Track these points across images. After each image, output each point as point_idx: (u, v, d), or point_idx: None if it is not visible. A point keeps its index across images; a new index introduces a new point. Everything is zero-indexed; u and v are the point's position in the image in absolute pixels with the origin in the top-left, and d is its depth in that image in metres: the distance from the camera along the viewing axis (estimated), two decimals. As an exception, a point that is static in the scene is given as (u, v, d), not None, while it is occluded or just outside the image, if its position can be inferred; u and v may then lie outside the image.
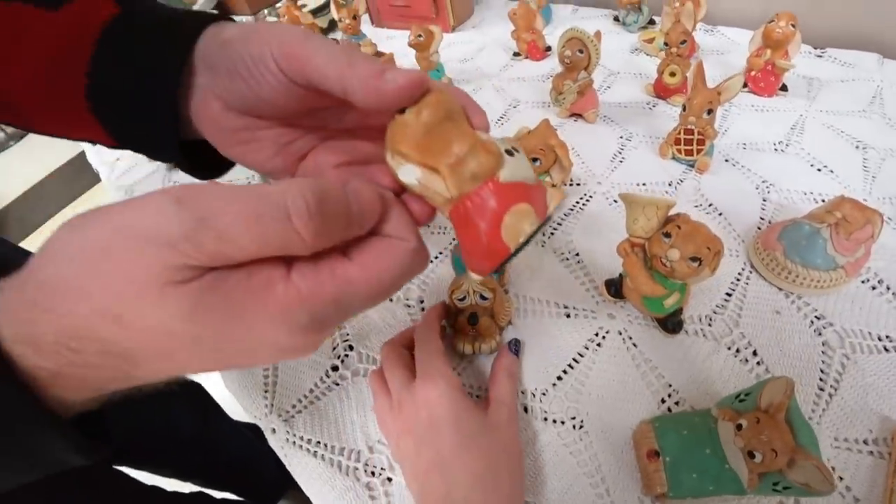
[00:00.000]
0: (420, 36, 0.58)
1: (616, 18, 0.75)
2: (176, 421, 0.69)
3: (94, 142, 0.27)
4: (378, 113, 0.19)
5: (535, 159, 0.38)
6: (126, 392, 0.18)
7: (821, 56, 0.66)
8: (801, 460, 0.24)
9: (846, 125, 0.54)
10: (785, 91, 0.59)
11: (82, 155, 1.01)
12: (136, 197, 0.15)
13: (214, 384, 0.76)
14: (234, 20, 0.24)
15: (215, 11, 1.33)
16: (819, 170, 0.49)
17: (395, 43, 0.78)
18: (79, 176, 2.43)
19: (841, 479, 0.30)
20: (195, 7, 1.36)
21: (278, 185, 0.15)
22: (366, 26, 0.88)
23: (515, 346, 0.34)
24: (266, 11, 1.26)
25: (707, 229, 0.30)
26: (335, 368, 0.37)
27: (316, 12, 0.98)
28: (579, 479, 0.30)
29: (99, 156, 0.90)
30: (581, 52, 0.48)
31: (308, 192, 0.15)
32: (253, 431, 0.86)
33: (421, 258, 0.19)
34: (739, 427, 0.26)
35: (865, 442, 0.31)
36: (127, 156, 0.83)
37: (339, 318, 0.18)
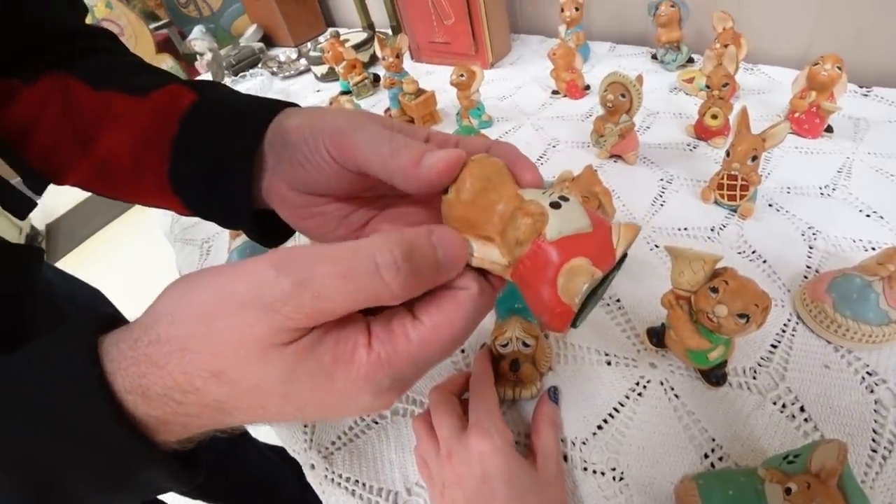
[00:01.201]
0: (462, 76, 0.60)
1: (654, 57, 0.76)
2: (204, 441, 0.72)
3: (174, 211, 0.31)
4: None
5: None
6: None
7: (867, 95, 0.65)
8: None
9: (893, 167, 0.53)
10: (830, 132, 0.58)
11: None
12: (235, 263, 0.17)
13: None
14: (298, 106, 0.27)
15: (259, 45, 1.41)
16: (868, 216, 0.47)
17: (435, 79, 0.81)
18: None
19: None
20: (242, 39, 1.44)
21: (369, 240, 0.17)
22: (405, 61, 0.91)
23: (555, 394, 0.35)
24: (310, 45, 1.33)
25: (755, 285, 0.30)
26: (377, 406, 0.38)
27: (358, 47, 1.02)
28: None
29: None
30: (623, 96, 0.49)
31: (395, 245, 0.17)
32: (278, 454, 0.88)
33: (486, 301, 0.20)
34: (788, 491, 0.25)
35: None
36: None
37: (417, 375, 0.19)
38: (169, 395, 0.16)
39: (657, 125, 0.62)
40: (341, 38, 1.04)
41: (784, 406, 0.34)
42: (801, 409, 0.34)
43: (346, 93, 0.88)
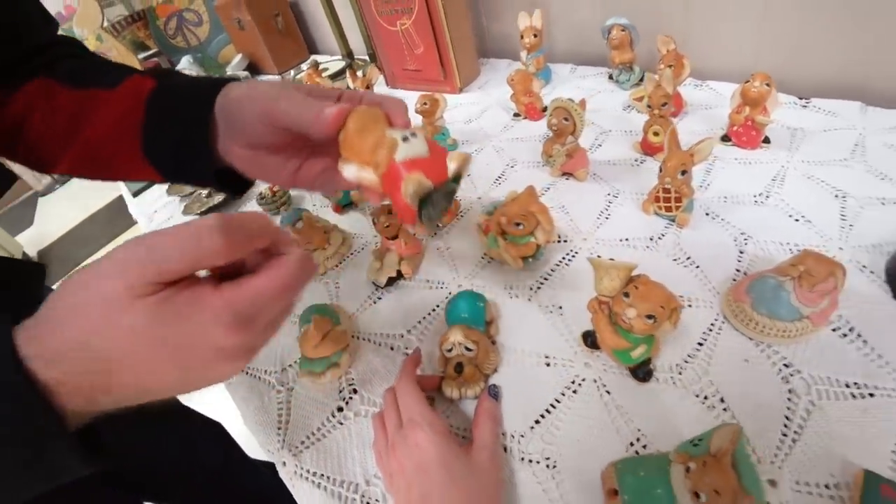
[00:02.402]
0: (426, 104, 0.65)
1: (610, 77, 0.81)
2: (200, 456, 0.74)
3: (151, 181, 0.42)
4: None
5: (518, 224, 0.43)
6: (114, 412, 0.24)
7: (805, 106, 0.69)
8: (742, 501, 0.27)
9: (827, 174, 0.56)
10: (768, 143, 0.62)
11: (120, 199, 1.11)
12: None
13: (234, 421, 0.81)
14: (238, 81, 0.34)
15: (245, 73, 1.46)
16: (797, 220, 0.51)
17: (409, 103, 0.86)
18: (116, 219, 2.62)
19: None
20: (229, 68, 1.51)
21: (202, 218, 0.23)
22: (381, 87, 0.96)
23: (495, 391, 0.38)
24: (292, 72, 1.38)
25: (663, 289, 0.34)
26: (340, 409, 0.42)
27: (335, 76, 1.08)
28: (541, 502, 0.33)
29: (139, 207, 1.00)
30: (566, 119, 0.53)
31: (213, 219, 0.23)
32: (270, 469, 0.91)
33: (306, 264, 0.26)
34: (688, 469, 0.29)
35: (827, 486, 0.33)
36: (162, 208, 0.93)
37: (258, 315, 0.24)
38: (62, 351, 0.21)
39: (609, 142, 0.66)
40: (320, 66, 1.09)
41: (706, 398, 0.38)
42: (721, 401, 0.37)
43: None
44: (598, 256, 0.49)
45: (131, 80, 0.37)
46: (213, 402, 0.90)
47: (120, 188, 1.19)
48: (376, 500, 0.36)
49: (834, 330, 0.41)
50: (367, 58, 1.17)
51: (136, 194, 1.06)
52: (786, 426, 0.36)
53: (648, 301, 0.32)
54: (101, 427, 0.24)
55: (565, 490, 0.33)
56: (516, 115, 0.75)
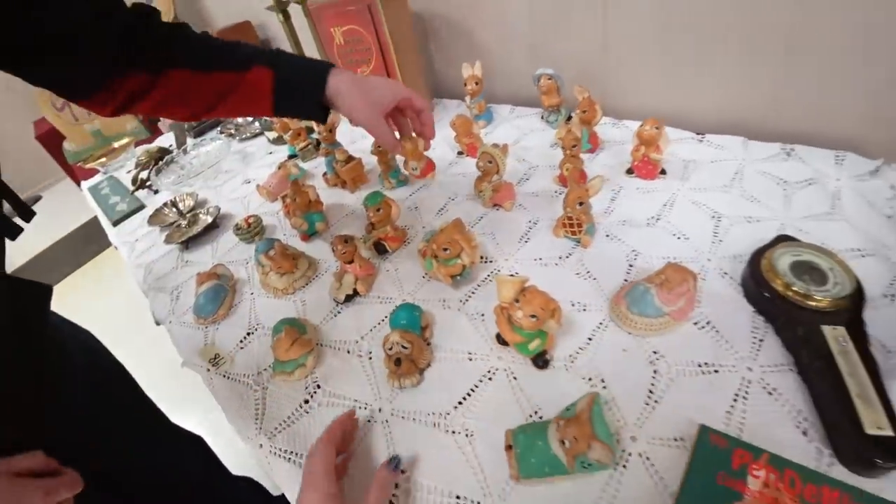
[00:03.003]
0: (380, 147, 0.76)
1: (542, 117, 0.94)
2: (186, 466, 0.80)
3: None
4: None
5: (445, 248, 0.54)
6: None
7: (701, 141, 0.83)
8: (594, 444, 0.38)
9: (708, 199, 0.68)
10: (664, 174, 0.76)
11: (92, 222, 1.16)
12: None
13: (216, 436, 0.88)
14: (334, 67, 0.57)
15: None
16: (678, 238, 0.63)
17: (365, 144, 0.97)
18: (86, 244, 2.63)
19: (654, 466, 0.42)
20: None
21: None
22: (344, 123, 1.07)
23: (396, 462, 0.43)
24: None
25: (545, 296, 0.45)
26: (307, 401, 0.51)
27: (306, 115, 1.18)
28: (467, 472, 0.43)
29: (119, 236, 1.07)
30: (491, 162, 0.65)
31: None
32: (247, 483, 0.98)
33: None
34: (558, 425, 0.40)
35: (674, 439, 0.44)
36: (143, 237, 1.00)
37: None
38: None
39: (535, 176, 0.79)
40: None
41: (590, 379, 0.49)
42: (602, 381, 0.48)
43: (293, 156, 1.03)
44: (516, 274, 0.60)
45: (252, 73, 0.54)
46: (198, 421, 0.97)
47: (94, 211, 1.25)
48: None
49: (695, 324, 0.53)
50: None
51: (116, 223, 1.13)
52: (648, 397, 0.47)
53: (531, 305, 0.44)
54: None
55: (479, 451, 0.44)
56: (460, 153, 0.88)
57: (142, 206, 1.15)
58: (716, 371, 0.48)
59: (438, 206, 0.76)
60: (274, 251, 0.65)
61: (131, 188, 1.23)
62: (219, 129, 1.41)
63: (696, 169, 0.76)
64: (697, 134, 0.84)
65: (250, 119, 1.40)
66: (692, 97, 0.87)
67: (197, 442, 0.86)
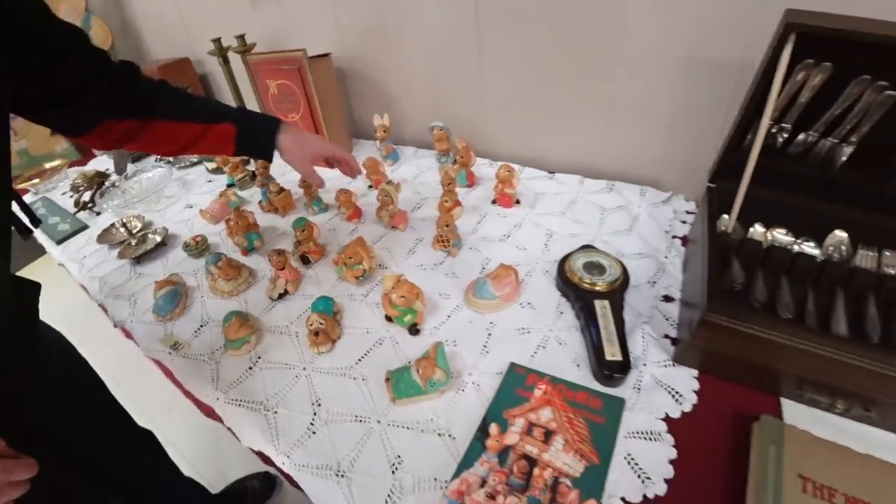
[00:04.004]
0: (304, 181, 0.99)
1: (437, 158, 1.22)
2: (141, 456, 0.92)
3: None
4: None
5: (350, 257, 0.78)
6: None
7: (551, 178, 1.14)
8: (436, 370, 0.63)
9: (547, 222, 0.98)
10: (519, 203, 1.05)
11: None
12: None
13: (162, 433, 1.00)
14: (283, 123, 0.81)
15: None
16: (520, 249, 0.92)
17: (295, 176, 1.19)
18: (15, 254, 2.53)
19: (481, 388, 0.68)
20: None
21: None
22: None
23: None
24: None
25: (412, 284, 0.70)
26: (250, 368, 0.73)
27: (243, 149, 1.38)
28: (363, 401, 0.67)
29: (66, 254, 1.19)
30: (387, 196, 0.91)
31: None
32: (192, 482, 1.10)
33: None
34: (417, 363, 0.65)
35: (496, 373, 0.68)
36: (91, 255, 1.14)
37: None
38: None
39: (426, 205, 1.06)
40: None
41: (447, 340, 0.74)
42: (455, 342, 0.74)
43: (231, 185, 1.23)
44: (402, 276, 0.85)
45: (220, 126, 0.74)
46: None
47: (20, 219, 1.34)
48: (273, 412, 0.67)
49: (520, 304, 0.80)
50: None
51: (59, 242, 1.24)
52: (483, 349, 0.72)
53: (401, 290, 0.69)
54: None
55: (371, 387, 0.68)
56: (370, 186, 1.13)
57: (85, 227, 1.27)
58: (528, 332, 0.75)
59: (350, 229, 1.01)
60: (222, 262, 0.85)
61: (73, 209, 1.35)
62: (157, 157, 1.54)
63: (543, 199, 1.06)
64: (549, 173, 1.14)
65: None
66: (547, 145, 1.18)
67: (148, 435, 0.96)
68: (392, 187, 0.90)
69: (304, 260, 0.91)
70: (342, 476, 0.58)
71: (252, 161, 1.18)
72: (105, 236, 1.17)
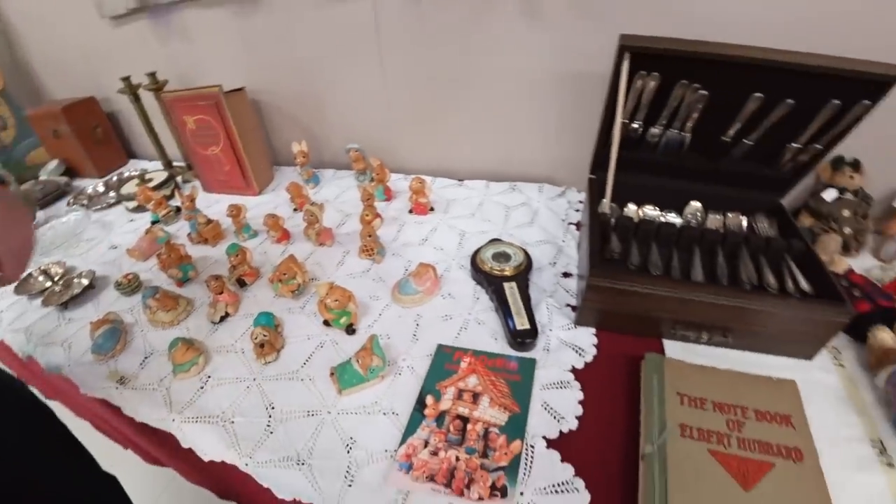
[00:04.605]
0: (232, 211, 1.06)
1: (355, 178, 1.32)
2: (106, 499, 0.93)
3: None
4: None
5: (284, 273, 0.87)
6: None
7: (460, 185, 1.28)
8: (374, 357, 0.73)
9: (459, 224, 1.12)
10: (433, 210, 1.18)
11: None
12: None
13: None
14: None
15: (64, 178, 1.61)
16: (438, 250, 1.05)
17: (221, 206, 1.25)
18: None
19: (415, 370, 0.79)
20: (44, 172, 1.63)
21: None
22: (199, 191, 1.32)
23: None
24: (116, 177, 1.60)
25: (343, 290, 0.81)
26: (202, 387, 0.79)
27: (160, 185, 1.40)
28: (311, 397, 0.75)
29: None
30: (312, 216, 1.00)
31: None
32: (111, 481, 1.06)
33: None
34: (357, 355, 0.75)
35: (427, 355, 0.80)
36: (9, 308, 1.12)
37: None
38: None
39: (349, 221, 1.16)
40: (146, 177, 1.40)
41: (381, 335, 0.85)
42: (388, 336, 0.85)
43: (156, 222, 1.25)
44: (333, 283, 0.95)
45: None
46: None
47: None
48: (231, 421, 0.73)
49: (441, 296, 0.93)
50: (185, 164, 1.51)
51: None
52: (413, 337, 0.83)
53: (334, 294, 0.79)
54: None
55: (318, 385, 0.77)
56: (295, 209, 1.21)
57: (-3, 282, 1.23)
58: (451, 318, 0.87)
59: (281, 250, 1.08)
60: (159, 294, 0.90)
61: (-20, 265, 1.29)
62: (68, 200, 1.51)
63: (454, 204, 1.20)
64: (459, 180, 1.29)
65: (101, 190, 1.53)
66: (455, 156, 1.32)
67: (114, 480, 0.95)
68: (316, 207, 1.00)
69: (241, 283, 0.97)
70: (302, 464, 0.66)
71: (176, 195, 1.21)
72: (24, 287, 1.15)
